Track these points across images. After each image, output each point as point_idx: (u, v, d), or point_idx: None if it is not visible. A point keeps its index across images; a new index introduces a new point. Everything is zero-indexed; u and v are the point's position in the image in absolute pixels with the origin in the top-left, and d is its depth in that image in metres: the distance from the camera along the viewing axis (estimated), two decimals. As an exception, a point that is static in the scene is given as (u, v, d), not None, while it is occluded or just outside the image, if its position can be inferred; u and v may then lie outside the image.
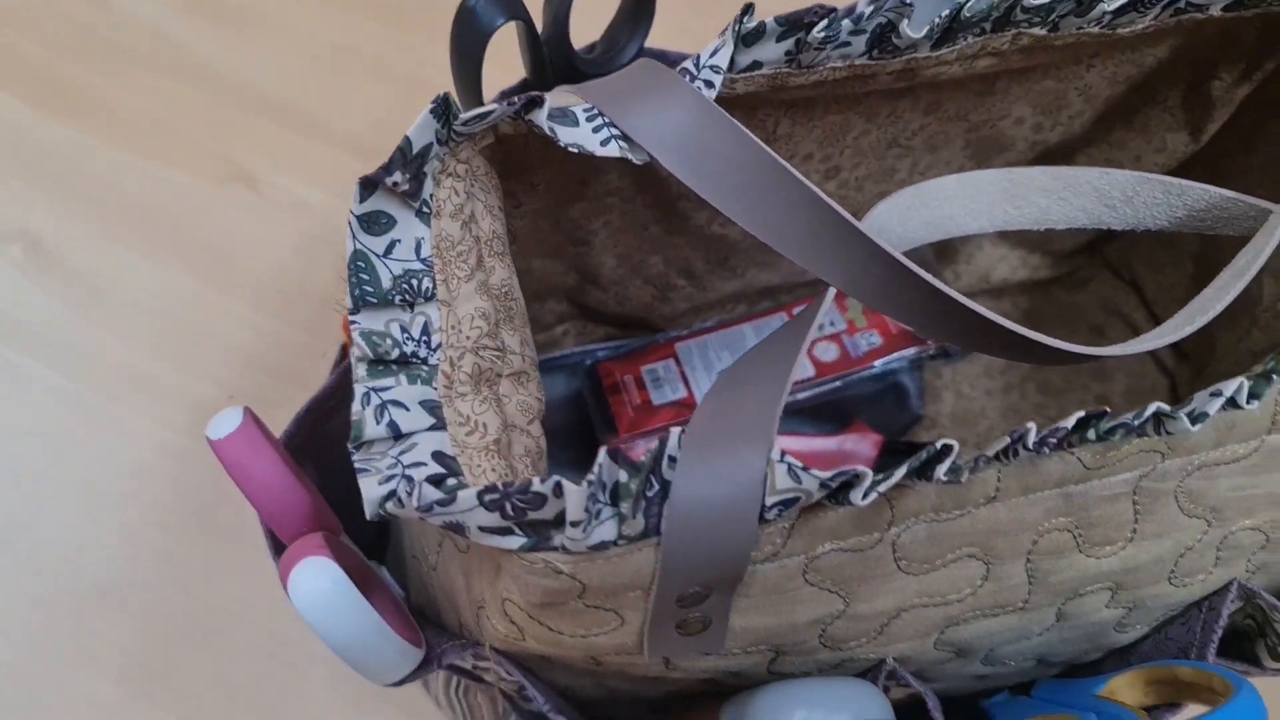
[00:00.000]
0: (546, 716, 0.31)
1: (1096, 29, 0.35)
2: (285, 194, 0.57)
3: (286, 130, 0.58)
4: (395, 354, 0.30)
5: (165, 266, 0.55)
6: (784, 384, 0.26)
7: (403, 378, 0.30)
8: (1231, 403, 0.28)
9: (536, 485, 0.25)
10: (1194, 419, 0.28)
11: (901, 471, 0.26)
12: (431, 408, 0.29)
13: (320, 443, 0.37)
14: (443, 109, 0.29)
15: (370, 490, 0.27)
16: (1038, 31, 0.35)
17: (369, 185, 0.29)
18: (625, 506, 0.26)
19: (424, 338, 0.30)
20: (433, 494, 0.25)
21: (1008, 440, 0.27)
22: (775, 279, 0.50)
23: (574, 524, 0.25)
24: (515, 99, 0.29)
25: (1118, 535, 0.31)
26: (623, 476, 0.25)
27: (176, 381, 0.53)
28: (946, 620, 0.32)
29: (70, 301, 0.53)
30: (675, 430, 0.26)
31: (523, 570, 0.27)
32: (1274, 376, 0.29)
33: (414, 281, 0.30)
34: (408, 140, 0.29)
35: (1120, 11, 0.34)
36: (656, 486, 0.26)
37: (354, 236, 0.30)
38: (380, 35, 0.60)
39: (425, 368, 0.30)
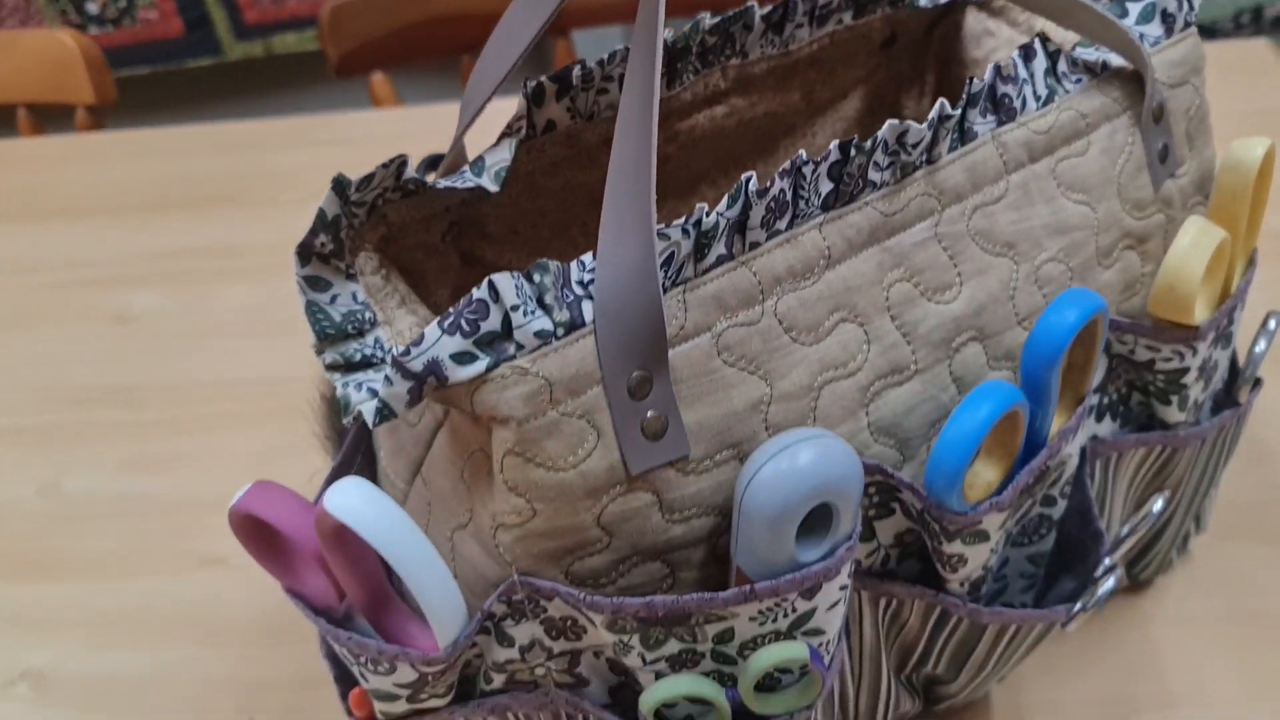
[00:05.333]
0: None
1: (775, 51, 0.49)
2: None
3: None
4: (359, 358, 0.38)
5: (162, 650, 0.59)
6: (649, 163, 0.34)
7: (370, 371, 0.37)
8: (944, 119, 0.38)
9: (476, 293, 0.33)
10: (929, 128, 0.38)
11: (734, 211, 0.35)
12: (398, 375, 0.37)
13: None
14: (340, 186, 0.39)
15: (365, 407, 0.34)
16: (735, 62, 0.48)
17: (304, 253, 0.39)
18: (550, 298, 0.33)
19: (377, 348, 0.38)
20: (405, 346, 0.32)
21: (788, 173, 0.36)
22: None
23: (513, 309, 0.33)
24: (388, 163, 0.40)
25: (948, 279, 0.39)
26: (537, 278, 0.33)
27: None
28: (861, 394, 0.38)
29: (83, 709, 0.57)
30: (588, 255, 0.34)
31: (496, 392, 0.33)
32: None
33: (358, 316, 0.39)
34: (321, 210, 0.39)
35: (778, 27, 0.48)
36: (573, 295, 0.34)
37: (303, 293, 0.38)
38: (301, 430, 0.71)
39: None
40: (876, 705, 0.47)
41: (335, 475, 0.42)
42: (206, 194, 0.95)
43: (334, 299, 0.39)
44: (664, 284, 0.35)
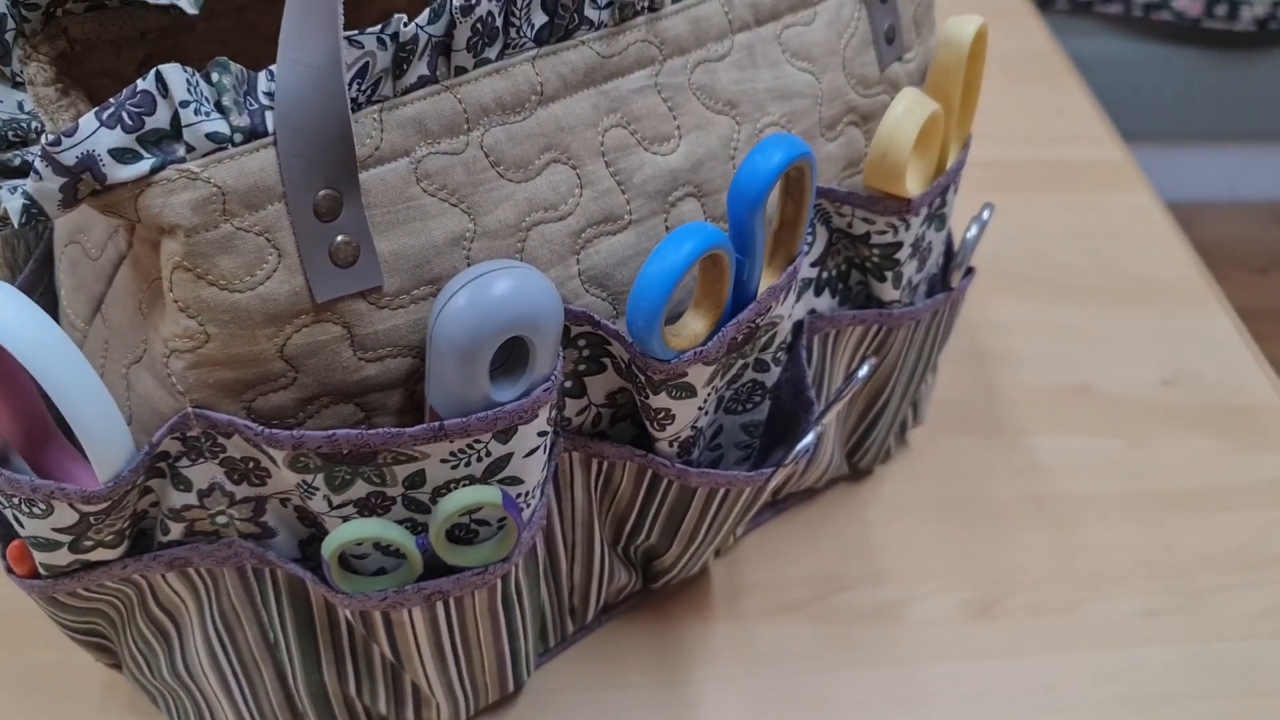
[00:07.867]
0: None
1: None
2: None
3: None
4: (18, 163, 0.34)
5: None
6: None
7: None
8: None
9: (140, 84, 0.30)
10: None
11: (436, 27, 0.33)
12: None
13: None
14: (8, -19, 0.35)
15: (11, 204, 0.31)
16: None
17: (-42, 52, 0.35)
18: (229, 101, 0.31)
19: (43, 158, 0.35)
20: (56, 136, 0.29)
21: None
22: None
23: (183, 105, 0.30)
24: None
25: (667, 130, 0.39)
26: (216, 77, 0.31)
27: None
28: (573, 240, 0.37)
29: None
30: (270, 68, 0.32)
31: (162, 197, 0.30)
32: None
33: (21, 125, 0.35)
34: (-21, 4, 0.35)
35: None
36: (258, 104, 0.31)
37: (-45, 95, 0.34)
38: None
39: (51, 175, 0.35)
40: (591, 579, 0.46)
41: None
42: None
43: (-6, 107, 0.35)
44: (358, 98, 0.33)
